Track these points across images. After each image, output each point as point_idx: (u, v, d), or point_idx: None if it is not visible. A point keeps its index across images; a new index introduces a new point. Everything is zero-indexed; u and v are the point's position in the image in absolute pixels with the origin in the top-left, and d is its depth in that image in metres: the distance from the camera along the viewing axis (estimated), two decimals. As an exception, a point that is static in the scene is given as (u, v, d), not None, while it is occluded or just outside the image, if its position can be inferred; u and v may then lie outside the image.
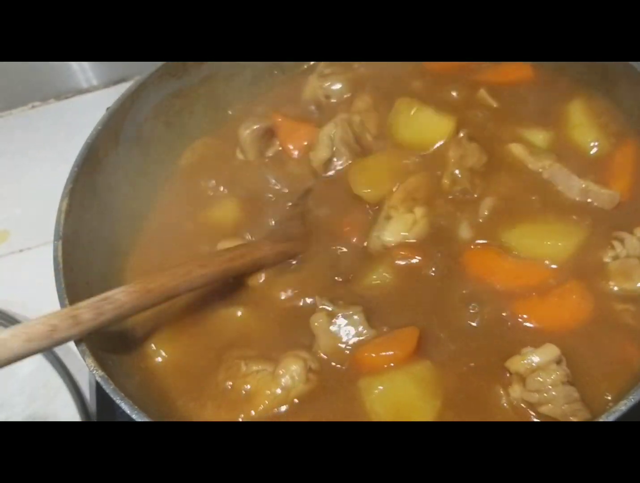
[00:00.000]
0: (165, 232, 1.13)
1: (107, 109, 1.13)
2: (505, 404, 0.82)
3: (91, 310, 0.80)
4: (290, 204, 1.10)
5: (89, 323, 0.80)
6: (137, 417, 0.78)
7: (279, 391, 0.86)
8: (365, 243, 1.01)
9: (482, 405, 0.83)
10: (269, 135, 1.21)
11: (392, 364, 0.86)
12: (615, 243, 0.91)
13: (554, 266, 0.92)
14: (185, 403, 0.91)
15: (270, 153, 1.21)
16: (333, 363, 0.89)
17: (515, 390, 0.81)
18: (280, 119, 1.21)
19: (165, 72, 1.20)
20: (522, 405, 0.81)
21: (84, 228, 1.04)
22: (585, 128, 1.07)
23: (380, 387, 0.84)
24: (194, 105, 1.26)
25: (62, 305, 0.89)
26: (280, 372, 0.87)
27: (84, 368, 1.24)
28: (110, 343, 0.92)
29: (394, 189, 1.02)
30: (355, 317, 0.90)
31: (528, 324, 0.88)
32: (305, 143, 1.17)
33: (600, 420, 0.71)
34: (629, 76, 1.05)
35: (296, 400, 0.87)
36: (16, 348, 0.74)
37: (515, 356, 0.82)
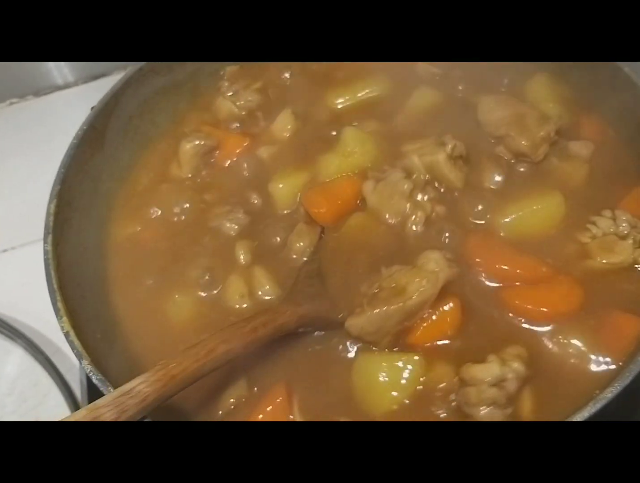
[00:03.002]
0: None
1: (92, 108, 1.13)
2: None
3: (113, 409, 0.73)
4: (305, 260, 1.02)
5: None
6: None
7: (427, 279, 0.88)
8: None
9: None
10: (210, 152, 1.18)
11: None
12: (589, 226, 0.96)
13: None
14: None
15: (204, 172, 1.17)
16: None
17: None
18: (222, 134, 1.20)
19: (149, 69, 1.20)
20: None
21: (72, 229, 1.05)
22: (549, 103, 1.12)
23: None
24: (179, 102, 1.26)
25: (55, 308, 0.90)
26: (424, 261, 0.90)
27: (73, 368, 1.25)
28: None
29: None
30: None
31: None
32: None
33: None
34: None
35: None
36: None
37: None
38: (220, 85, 1.25)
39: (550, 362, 0.86)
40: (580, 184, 1.03)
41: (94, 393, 1.10)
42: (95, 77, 1.75)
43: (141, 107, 1.21)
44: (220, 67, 1.26)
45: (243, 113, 1.21)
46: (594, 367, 0.85)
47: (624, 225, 0.95)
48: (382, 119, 1.15)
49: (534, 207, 0.99)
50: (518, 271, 0.94)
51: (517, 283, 0.93)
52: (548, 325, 0.89)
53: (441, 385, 0.86)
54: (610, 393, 0.74)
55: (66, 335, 0.88)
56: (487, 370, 0.81)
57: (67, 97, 1.72)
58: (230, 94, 1.23)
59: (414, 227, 0.99)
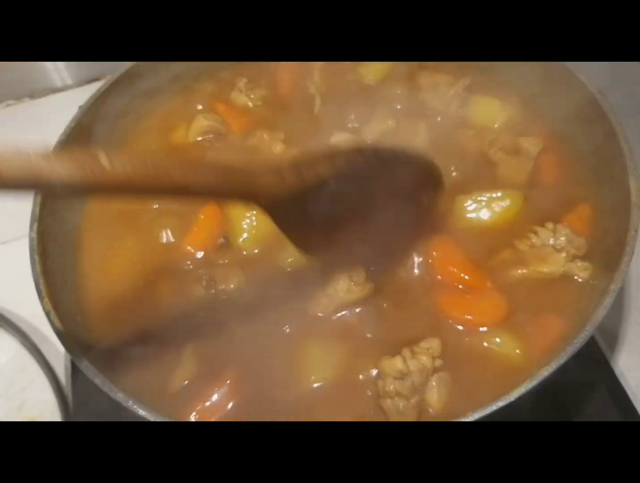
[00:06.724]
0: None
1: (80, 107, 1.19)
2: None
3: None
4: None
5: None
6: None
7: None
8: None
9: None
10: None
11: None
12: (530, 234, 1.03)
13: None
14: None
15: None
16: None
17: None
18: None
19: (136, 72, 1.27)
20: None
21: (57, 221, 1.10)
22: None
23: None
24: (164, 103, 1.33)
25: (38, 289, 0.96)
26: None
27: (59, 355, 1.30)
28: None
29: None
30: None
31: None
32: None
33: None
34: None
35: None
36: None
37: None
38: (236, 80, 1.33)
39: (469, 356, 0.93)
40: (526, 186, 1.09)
41: (78, 380, 1.17)
42: (90, 81, 1.81)
43: (127, 108, 1.27)
44: (203, 70, 1.34)
45: (259, 103, 1.32)
46: (513, 362, 0.91)
47: (562, 238, 1.01)
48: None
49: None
50: (462, 275, 1.00)
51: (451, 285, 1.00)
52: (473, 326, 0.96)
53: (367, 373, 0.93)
54: (546, 371, 0.79)
55: (47, 314, 0.93)
56: (391, 365, 0.88)
57: (62, 100, 1.77)
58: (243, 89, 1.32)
59: None
